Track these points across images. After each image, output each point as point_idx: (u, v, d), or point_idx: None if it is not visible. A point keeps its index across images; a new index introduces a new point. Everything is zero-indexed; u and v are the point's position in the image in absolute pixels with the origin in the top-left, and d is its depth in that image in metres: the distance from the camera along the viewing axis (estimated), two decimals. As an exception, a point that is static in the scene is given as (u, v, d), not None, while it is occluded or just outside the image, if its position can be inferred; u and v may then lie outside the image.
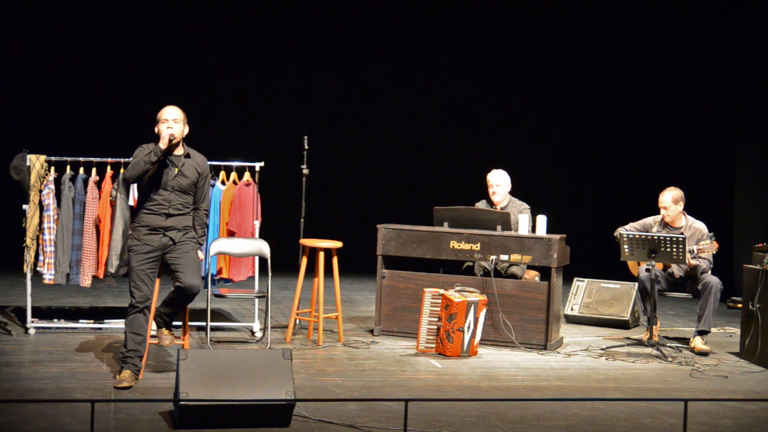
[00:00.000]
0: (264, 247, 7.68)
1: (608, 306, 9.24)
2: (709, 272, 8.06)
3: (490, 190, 8.51)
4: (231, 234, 7.91)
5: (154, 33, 12.75)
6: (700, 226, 8.22)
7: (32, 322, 7.85)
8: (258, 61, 13.14)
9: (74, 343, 7.45)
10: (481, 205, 8.57)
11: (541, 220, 8.09)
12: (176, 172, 6.47)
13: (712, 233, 8.06)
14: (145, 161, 6.34)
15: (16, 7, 12.26)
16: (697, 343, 8.00)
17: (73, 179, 7.76)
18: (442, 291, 7.60)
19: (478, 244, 8.01)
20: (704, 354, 7.89)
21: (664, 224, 8.26)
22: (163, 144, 6.36)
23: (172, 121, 6.44)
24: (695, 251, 7.95)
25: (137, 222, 6.50)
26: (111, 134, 11.74)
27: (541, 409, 6.06)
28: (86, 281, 7.76)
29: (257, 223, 8.02)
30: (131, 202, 7.60)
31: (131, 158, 6.48)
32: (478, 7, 13.39)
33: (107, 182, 7.72)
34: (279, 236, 8.87)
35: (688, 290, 8.26)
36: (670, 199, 8.17)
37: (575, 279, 9.55)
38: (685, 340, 8.38)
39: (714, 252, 8.00)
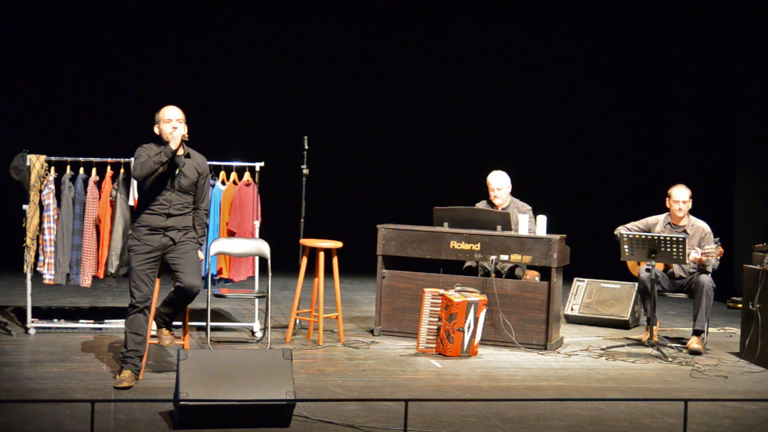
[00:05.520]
0: (264, 247, 7.68)
1: (608, 306, 9.24)
2: (709, 273, 8.07)
3: (492, 194, 8.50)
4: (231, 234, 7.91)
5: (154, 33, 12.75)
6: (703, 225, 8.24)
7: (32, 322, 7.85)
8: (258, 61, 13.13)
9: (74, 343, 7.45)
10: (482, 205, 8.57)
11: (541, 220, 8.09)
12: (177, 172, 6.47)
13: (718, 238, 8.08)
14: (155, 161, 6.33)
15: (16, 7, 12.25)
16: (691, 341, 8.01)
17: (73, 179, 7.76)
18: (442, 291, 7.60)
19: (478, 244, 8.01)
20: (696, 353, 7.89)
21: (668, 222, 8.26)
22: (174, 144, 6.35)
23: (176, 121, 6.44)
24: (700, 253, 7.96)
25: (137, 222, 6.50)
26: (111, 134, 11.74)
27: (541, 409, 6.06)
28: (86, 281, 7.77)
29: (257, 223, 8.02)
30: (131, 202, 7.61)
31: (133, 158, 6.48)
32: (477, 7, 13.39)
33: (107, 182, 7.73)
34: (279, 236, 8.87)
35: (685, 290, 8.28)
36: (688, 195, 8.20)
37: (575, 279, 9.55)
38: (684, 341, 8.38)
39: (719, 256, 8.02)
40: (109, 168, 7.78)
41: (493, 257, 7.95)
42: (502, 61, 13.51)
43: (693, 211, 8.35)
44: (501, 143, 13.19)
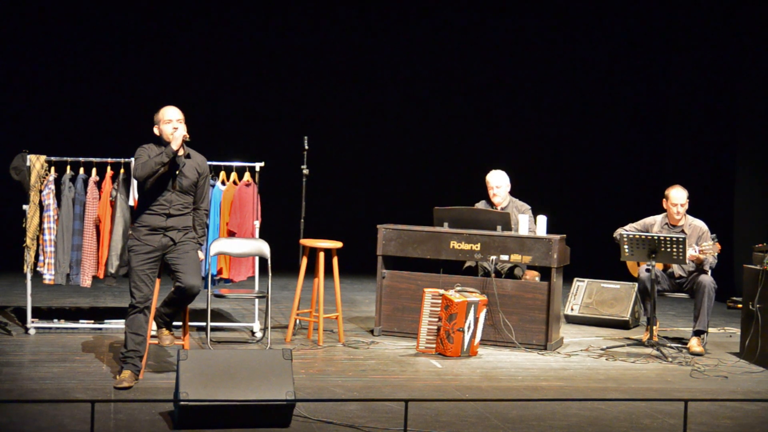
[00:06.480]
0: (264, 248, 7.68)
1: (608, 306, 9.24)
2: (708, 273, 8.07)
3: (491, 192, 8.51)
4: (231, 234, 7.91)
5: (154, 33, 12.74)
6: (700, 224, 8.24)
7: (32, 322, 7.85)
8: (258, 61, 13.13)
9: (74, 344, 7.45)
10: (481, 205, 8.57)
11: (541, 220, 8.09)
12: (177, 172, 6.47)
13: (714, 235, 8.08)
14: (156, 162, 6.33)
15: (16, 7, 12.25)
16: (692, 343, 8.01)
17: (73, 179, 7.76)
18: (442, 291, 7.60)
19: (478, 245, 8.00)
20: (698, 355, 7.89)
21: (665, 222, 8.26)
22: (175, 145, 6.35)
23: (176, 121, 6.44)
24: (697, 251, 7.96)
25: (138, 222, 6.50)
26: (111, 134, 11.74)
27: (541, 409, 6.06)
28: (86, 281, 7.77)
29: (257, 224, 8.02)
30: (131, 202, 7.61)
31: (133, 158, 6.48)
32: (477, 7, 13.39)
33: (107, 182, 7.73)
34: (279, 236, 8.87)
35: (686, 290, 8.28)
36: (686, 196, 8.20)
37: (575, 279, 9.54)
38: (684, 341, 8.38)
39: (717, 253, 8.02)
40: (109, 168, 7.78)
41: (493, 257, 7.95)
42: (502, 60, 13.50)
43: (693, 211, 8.35)
44: (501, 143, 13.19)
